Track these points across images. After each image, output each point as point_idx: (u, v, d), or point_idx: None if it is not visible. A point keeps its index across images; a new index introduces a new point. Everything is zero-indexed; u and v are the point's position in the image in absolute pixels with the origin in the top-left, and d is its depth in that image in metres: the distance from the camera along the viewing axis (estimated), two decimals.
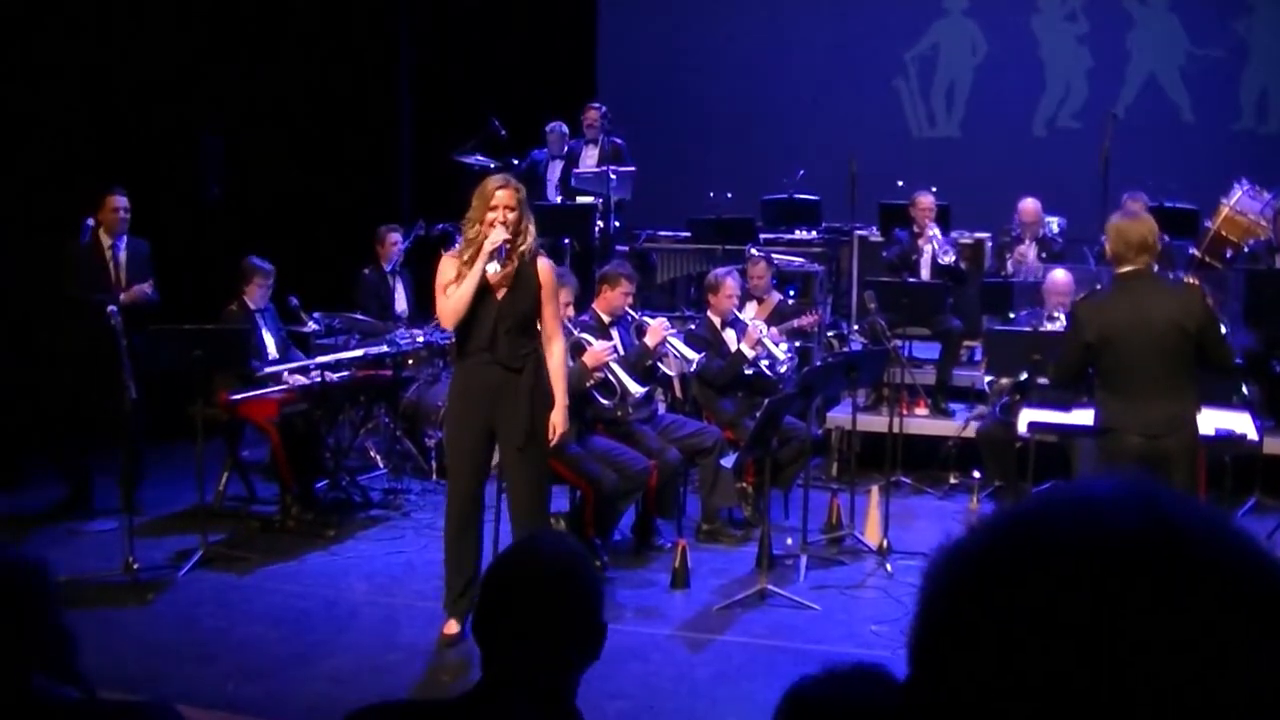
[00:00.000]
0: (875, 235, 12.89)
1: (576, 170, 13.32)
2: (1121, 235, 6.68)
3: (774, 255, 11.68)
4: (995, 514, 1.07)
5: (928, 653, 1.04)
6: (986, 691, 0.97)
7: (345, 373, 10.07)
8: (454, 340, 7.37)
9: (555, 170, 13.67)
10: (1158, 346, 6.56)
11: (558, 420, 7.01)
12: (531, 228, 7.01)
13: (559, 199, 13.36)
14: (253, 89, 13.28)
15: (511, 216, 6.84)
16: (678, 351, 9.32)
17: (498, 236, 6.79)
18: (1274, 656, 0.96)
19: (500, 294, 6.90)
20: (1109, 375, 6.79)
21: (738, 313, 9.92)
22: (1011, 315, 10.72)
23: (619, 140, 13.52)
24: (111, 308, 8.95)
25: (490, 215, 6.83)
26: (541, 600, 2.60)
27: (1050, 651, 0.94)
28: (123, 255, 9.69)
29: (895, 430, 9.82)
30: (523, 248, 6.92)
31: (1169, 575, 0.96)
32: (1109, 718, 0.93)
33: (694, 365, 9.36)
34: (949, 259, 11.44)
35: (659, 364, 9.43)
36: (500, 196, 6.86)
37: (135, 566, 8.13)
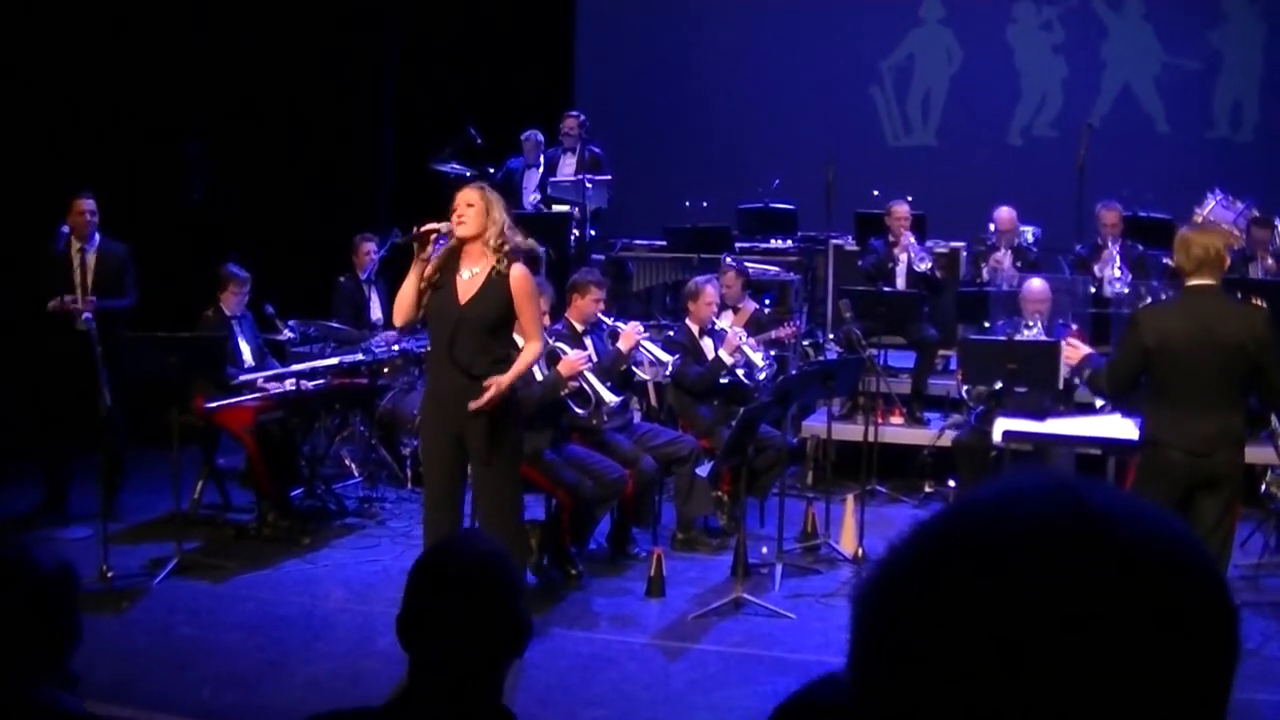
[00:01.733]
0: (851, 244, 12.91)
1: (553, 178, 13.32)
2: (1184, 247, 6.60)
3: (749, 264, 11.69)
4: (918, 522, 1.07)
5: (863, 669, 1.04)
6: (923, 698, 0.98)
7: (321, 381, 10.06)
8: (428, 346, 7.36)
9: (532, 178, 13.66)
10: (1217, 364, 6.48)
11: (502, 379, 6.82)
12: (506, 231, 6.93)
13: (536, 207, 13.35)
14: (233, 95, 13.26)
15: (469, 211, 6.83)
16: (652, 355, 9.31)
17: (435, 226, 6.82)
18: (1200, 631, 0.97)
19: (464, 299, 6.87)
20: (1160, 387, 6.68)
21: (716, 321, 9.93)
22: (987, 324, 10.75)
23: (597, 149, 13.50)
24: (86, 315, 8.95)
25: (454, 216, 6.85)
26: (458, 600, 2.60)
27: (978, 657, 0.95)
28: (90, 259, 9.60)
29: (871, 439, 9.84)
30: (491, 245, 6.87)
31: (1089, 558, 0.96)
32: (1041, 706, 0.93)
33: (669, 368, 9.37)
34: (925, 266, 11.46)
35: (634, 370, 9.43)
36: (457, 198, 6.89)
37: (110, 574, 8.11)
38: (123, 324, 9.50)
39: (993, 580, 0.96)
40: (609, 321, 9.27)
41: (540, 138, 13.68)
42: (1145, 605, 0.95)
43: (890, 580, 1.04)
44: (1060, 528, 0.98)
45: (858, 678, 1.05)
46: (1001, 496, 1.03)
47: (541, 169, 13.57)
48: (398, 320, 7.14)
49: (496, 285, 6.84)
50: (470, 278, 6.86)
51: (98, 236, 9.70)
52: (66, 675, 2.86)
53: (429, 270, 6.85)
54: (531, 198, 13.47)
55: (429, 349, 7.18)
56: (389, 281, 11.54)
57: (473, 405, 6.74)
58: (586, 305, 9.04)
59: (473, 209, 6.82)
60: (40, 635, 2.72)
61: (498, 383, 6.76)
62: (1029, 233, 12.17)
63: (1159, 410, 6.72)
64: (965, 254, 12.44)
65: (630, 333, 8.96)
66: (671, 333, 10.22)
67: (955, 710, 0.96)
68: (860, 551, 8.74)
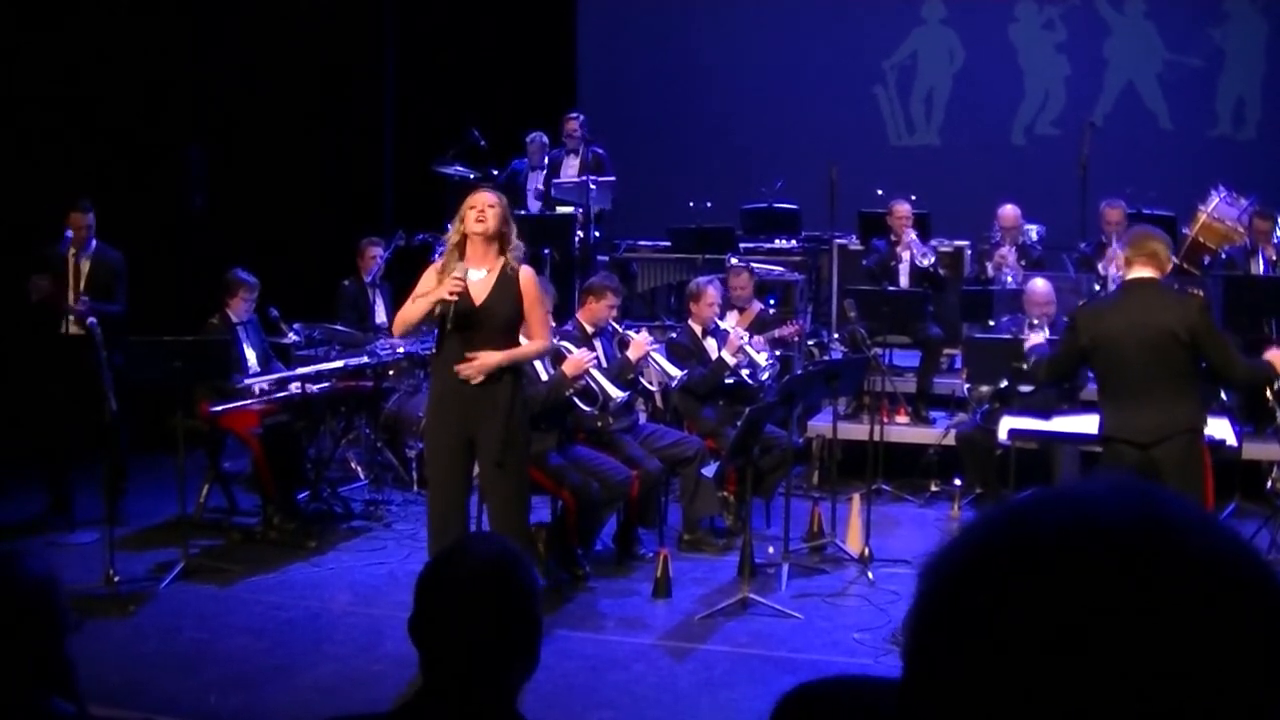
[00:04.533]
0: (855, 244, 12.90)
1: (557, 180, 13.31)
2: (1132, 240, 6.84)
3: (754, 264, 11.68)
4: (988, 512, 1.08)
5: (920, 650, 1.04)
6: (978, 688, 0.98)
7: (326, 384, 10.06)
8: (434, 349, 7.36)
9: (536, 180, 13.65)
10: (1151, 354, 6.57)
11: (494, 356, 6.90)
12: (514, 237, 7.01)
13: (540, 209, 13.35)
14: (235, 100, 13.27)
15: (491, 213, 6.88)
16: (660, 366, 9.30)
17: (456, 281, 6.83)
18: (1266, 646, 0.96)
19: (480, 299, 6.89)
20: (1106, 381, 6.87)
21: (719, 321, 9.93)
22: (991, 322, 10.73)
23: (600, 150, 13.49)
24: (91, 320, 8.96)
25: (470, 214, 6.87)
26: (470, 602, 2.58)
27: (1040, 646, 0.95)
28: (85, 265, 9.65)
29: (876, 438, 9.84)
30: (510, 255, 6.95)
31: (1160, 568, 0.96)
32: (1102, 713, 0.93)
33: (675, 382, 9.35)
34: (927, 261, 11.42)
35: (639, 377, 9.42)
36: (477, 198, 6.94)
37: (116, 579, 8.10)
38: (115, 330, 9.49)
39: (1058, 574, 0.97)
40: (619, 328, 9.26)
41: (545, 139, 13.68)
42: (1209, 619, 0.95)
43: (960, 563, 1.04)
44: (1131, 532, 0.99)
45: (911, 650, 1.05)
46: (1077, 495, 1.04)
47: (545, 171, 13.57)
48: (397, 332, 7.27)
49: (509, 284, 6.92)
50: (481, 279, 6.90)
51: (94, 243, 9.76)
52: (64, 667, 2.87)
53: (440, 290, 6.87)
54: (535, 200, 13.48)
55: (437, 351, 7.18)
56: (394, 285, 11.56)
57: (461, 368, 6.83)
58: (600, 310, 9.02)
59: (494, 210, 6.92)
60: (30, 642, 2.73)
61: (487, 356, 6.87)
62: (1033, 231, 12.14)
63: (1107, 405, 6.89)
64: (969, 253, 12.43)
65: (641, 342, 8.90)
66: (675, 334, 10.21)
67: (1006, 702, 0.96)
68: (866, 551, 8.71)
